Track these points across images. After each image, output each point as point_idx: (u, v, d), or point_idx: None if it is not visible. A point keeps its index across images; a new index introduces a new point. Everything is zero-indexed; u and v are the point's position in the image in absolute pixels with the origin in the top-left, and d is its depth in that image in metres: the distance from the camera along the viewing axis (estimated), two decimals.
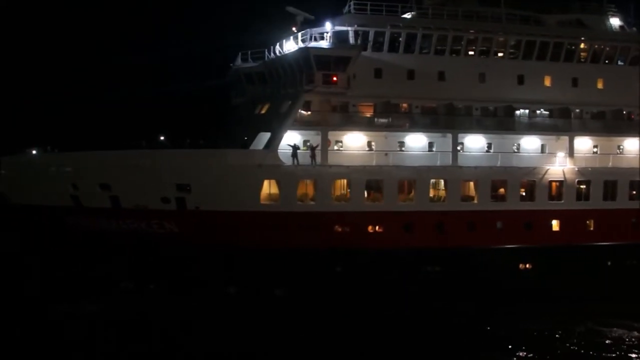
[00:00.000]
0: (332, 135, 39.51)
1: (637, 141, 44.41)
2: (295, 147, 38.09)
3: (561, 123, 42.98)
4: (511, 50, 42.93)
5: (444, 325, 36.39)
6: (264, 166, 37.44)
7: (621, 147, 44.88)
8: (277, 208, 37.86)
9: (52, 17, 66.56)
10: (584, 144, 44.02)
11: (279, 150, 38.11)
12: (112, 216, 37.84)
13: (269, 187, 38.24)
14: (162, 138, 40.68)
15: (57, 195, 37.53)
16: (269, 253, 36.61)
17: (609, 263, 42.54)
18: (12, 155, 39.66)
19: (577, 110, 44.21)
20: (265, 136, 38.47)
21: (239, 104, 45.74)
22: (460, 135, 41.07)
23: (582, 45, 44.12)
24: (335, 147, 39.88)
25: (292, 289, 37.32)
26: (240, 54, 44.15)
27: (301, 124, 38.71)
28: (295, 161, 38.06)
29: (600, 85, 44.70)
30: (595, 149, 44.32)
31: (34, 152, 40.03)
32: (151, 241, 37.52)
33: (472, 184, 41.10)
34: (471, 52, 42.20)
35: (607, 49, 44.80)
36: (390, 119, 40.09)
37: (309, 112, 38.94)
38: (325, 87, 38.17)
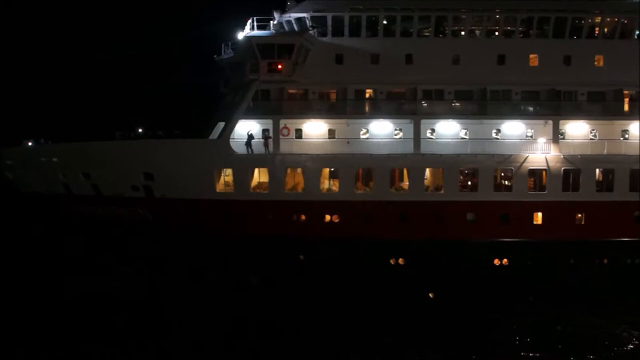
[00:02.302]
0: (292, 123, 39.17)
1: None
2: (250, 136, 38.26)
3: (544, 106, 39.12)
4: (489, 28, 39.77)
5: (400, 319, 34.87)
6: (216, 155, 38.01)
7: (626, 131, 40.12)
8: (232, 196, 38.29)
9: (41, 14, 70.20)
10: (578, 128, 39.87)
11: (235, 140, 38.53)
12: (96, 203, 40.30)
13: (223, 176, 38.73)
14: (139, 130, 42.38)
15: (52, 184, 40.62)
16: (226, 241, 37.25)
17: (605, 261, 38.35)
18: (11, 147, 43.43)
19: (569, 92, 40.05)
20: (221, 126, 38.94)
21: (225, 94, 46.50)
22: (430, 121, 38.95)
23: (576, 20, 39.82)
24: (303, 136, 39.53)
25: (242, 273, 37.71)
26: (223, 45, 44.76)
27: (255, 113, 38.70)
28: (250, 150, 38.23)
29: (599, 63, 40.15)
30: (592, 134, 40.05)
31: (29, 143, 43.49)
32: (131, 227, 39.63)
33: (438, 172, 38.82)
34: (443, 33, 39.73)
35: (612, 20, 40.11)
36: (348, 106, 38.88)
37: (263, 101, 38.75)
38: (269, 76, 37.80)
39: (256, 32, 38.11)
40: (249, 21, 39.06)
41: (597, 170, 38.77)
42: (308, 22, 38.93)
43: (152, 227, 38.99)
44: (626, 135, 40.03)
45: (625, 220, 38.30)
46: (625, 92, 40.17)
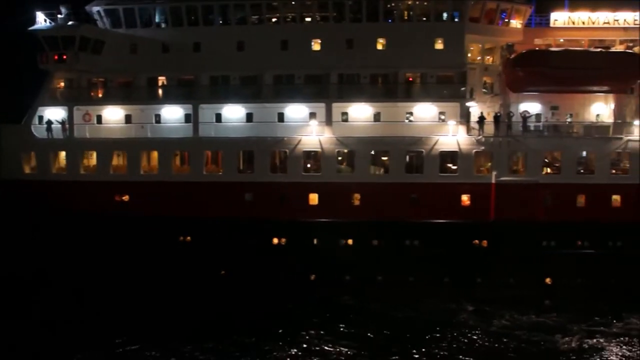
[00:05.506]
0: (93, 110, 42.19)
1: (431, 107, 39.95)
2: (49, 122, 41.58)
3: (320, 89, 40.09)
4: (268, 16, 41.18)
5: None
6: (20, 140, 41.59)
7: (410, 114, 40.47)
8: (35, 177, 41.81)
9: None
10: (362, 111, 40.51)
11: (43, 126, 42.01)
12: None
13: (31, 158, 42.21)
14: None
15: None
16: (36, 219, 40.80)
17: (376, 242, 38.99)
18: None
19: (351, 75, 40.77)
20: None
21: None
22: (213, 106, 40.89)
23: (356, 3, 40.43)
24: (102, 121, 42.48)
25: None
26: None
27: (54, 101, 41.91)
28: (50, 135, 41.54)
29: (380, 46, 40.62)
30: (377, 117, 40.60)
31: None
32: None
33: (219, 155, 40.71)
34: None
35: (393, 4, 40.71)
36: (140, 93, 41.44)
37: (61, 90, 42.10)
38: (56, 65, 40.88)
39: (40, 26, 41.21)
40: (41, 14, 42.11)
41: (372, 152, 39.45)
42: (102, 15, 41.80)
43: None
44: (410, 118, 40.39)
45: (402, 202, 38.80)
46: (408, 74, 40.59)
